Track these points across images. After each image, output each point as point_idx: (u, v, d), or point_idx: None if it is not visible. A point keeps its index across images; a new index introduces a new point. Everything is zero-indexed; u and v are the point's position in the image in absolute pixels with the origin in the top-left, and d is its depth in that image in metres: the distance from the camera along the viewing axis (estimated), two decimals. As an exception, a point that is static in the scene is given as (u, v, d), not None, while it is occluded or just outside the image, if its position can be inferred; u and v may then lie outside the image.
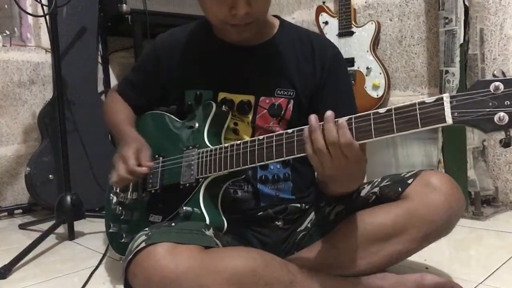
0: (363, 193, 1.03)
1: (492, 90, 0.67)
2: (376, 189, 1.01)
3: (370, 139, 0.76)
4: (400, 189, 0.97)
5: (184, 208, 0.96)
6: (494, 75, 0.68)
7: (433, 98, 0.71)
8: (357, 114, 0.78)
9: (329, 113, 0.78)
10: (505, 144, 0.68)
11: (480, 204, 1.70)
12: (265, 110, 1.07)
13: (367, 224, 0.96)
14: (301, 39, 1.10)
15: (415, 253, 0.99)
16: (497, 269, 1.16)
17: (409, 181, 0.97)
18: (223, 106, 1.06)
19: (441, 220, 0.93)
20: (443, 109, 0.70)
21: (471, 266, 1.21)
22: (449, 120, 0.69)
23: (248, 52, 1.08)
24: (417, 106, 0.72)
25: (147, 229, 0.91)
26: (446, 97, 0.70)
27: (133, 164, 0.99)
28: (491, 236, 1.47)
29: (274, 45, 1.09)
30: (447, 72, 1.75)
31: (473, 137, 1.75)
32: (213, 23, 1.03)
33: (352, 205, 1.02)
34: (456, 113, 0.69)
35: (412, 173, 1.00)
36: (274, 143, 0.87)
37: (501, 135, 0.68)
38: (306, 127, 0.81)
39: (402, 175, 1.01)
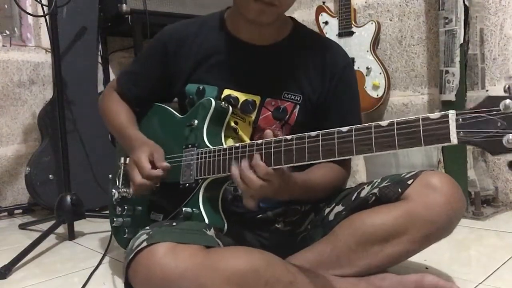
0: (362, 193, 1.03)
1: (502, 109, 0.62)
2: (376, 190, 1.01)
3: (370, 153, 0.74)
4: (400, 190, 0.97)
5: (184, 209, 0.96)
6: (505, 91, 0.62)
7: (438, 114, 0.67)
8: (358, 126, 0.76)
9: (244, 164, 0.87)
10: None
11: (480, 204, 1.70)
12: (270, 112, 1.06)
13: (367, 224, 0.96)
14: (313, 45, 1.09)
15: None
16: (497, 269, 1.16)
17: (409, 182, 0.97)
18: (223, 103, 1.05)
19: (441, 220, 0.93)
20: (448, 127, 0.66)
21: (471, 266, 1.21)
22: (454, 140, 0.65)
23: (259, 51, 1.07)
24: (420, 122, 0.69)
25: (148, 228, 0.91)
26: (451, 114, 0.66)
27: (148, 168, 0.97)
28: (491, 236, 1.47)
29: (285, 47, 1.08)
30: (447, 72, 1.75)
31: (473, 137, 1.74)
32: None
33: (352, 206, 1.02)
34: (461, 132, 0.65)
35: (412, 173, 0.99)
36: (272, 149, 0.85)
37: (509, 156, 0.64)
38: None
39: (402, 175, 1.01)
